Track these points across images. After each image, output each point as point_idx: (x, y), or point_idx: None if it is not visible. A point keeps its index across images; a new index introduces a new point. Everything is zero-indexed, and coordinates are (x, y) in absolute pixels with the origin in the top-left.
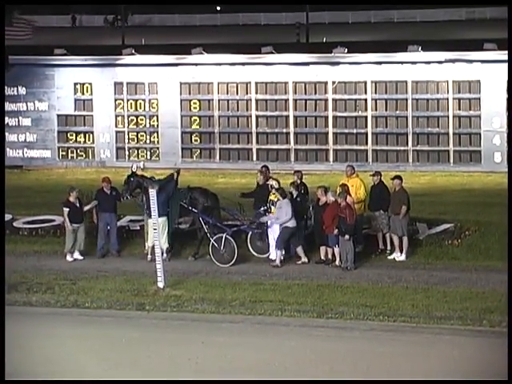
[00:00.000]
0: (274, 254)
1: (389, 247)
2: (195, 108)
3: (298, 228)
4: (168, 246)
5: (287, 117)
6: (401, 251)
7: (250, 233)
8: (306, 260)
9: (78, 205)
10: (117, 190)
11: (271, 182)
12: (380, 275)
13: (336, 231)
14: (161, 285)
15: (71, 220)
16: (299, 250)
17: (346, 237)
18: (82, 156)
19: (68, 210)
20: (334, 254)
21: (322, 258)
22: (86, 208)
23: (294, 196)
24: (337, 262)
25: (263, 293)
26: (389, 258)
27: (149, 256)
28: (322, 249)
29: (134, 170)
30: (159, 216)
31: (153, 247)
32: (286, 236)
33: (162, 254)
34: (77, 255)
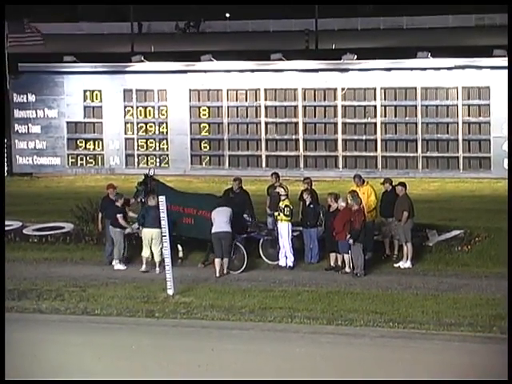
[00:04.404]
0: (284, 260)
1: (396, 253)
2: (204, 115)
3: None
4: (160, 259)
5: (296, 123)
6: (406, 258)
7: (262, 240)
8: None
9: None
10: (123, 196)
11: (279, 190)
12: (390, 282)
13: (347, 237)
14: (170, 292)
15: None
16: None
17: (351, 241)
18: (91, 163)
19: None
20: (343, 261)
21: (332, 264)
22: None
23: (308, 203)
24: (346, 269)
25: (273, 300)
26: (394, 265)
27: (157, 269)
28: (332, 255)
29: (150, 175)
30: (152, 227)
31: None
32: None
33: (160, 265)
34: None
